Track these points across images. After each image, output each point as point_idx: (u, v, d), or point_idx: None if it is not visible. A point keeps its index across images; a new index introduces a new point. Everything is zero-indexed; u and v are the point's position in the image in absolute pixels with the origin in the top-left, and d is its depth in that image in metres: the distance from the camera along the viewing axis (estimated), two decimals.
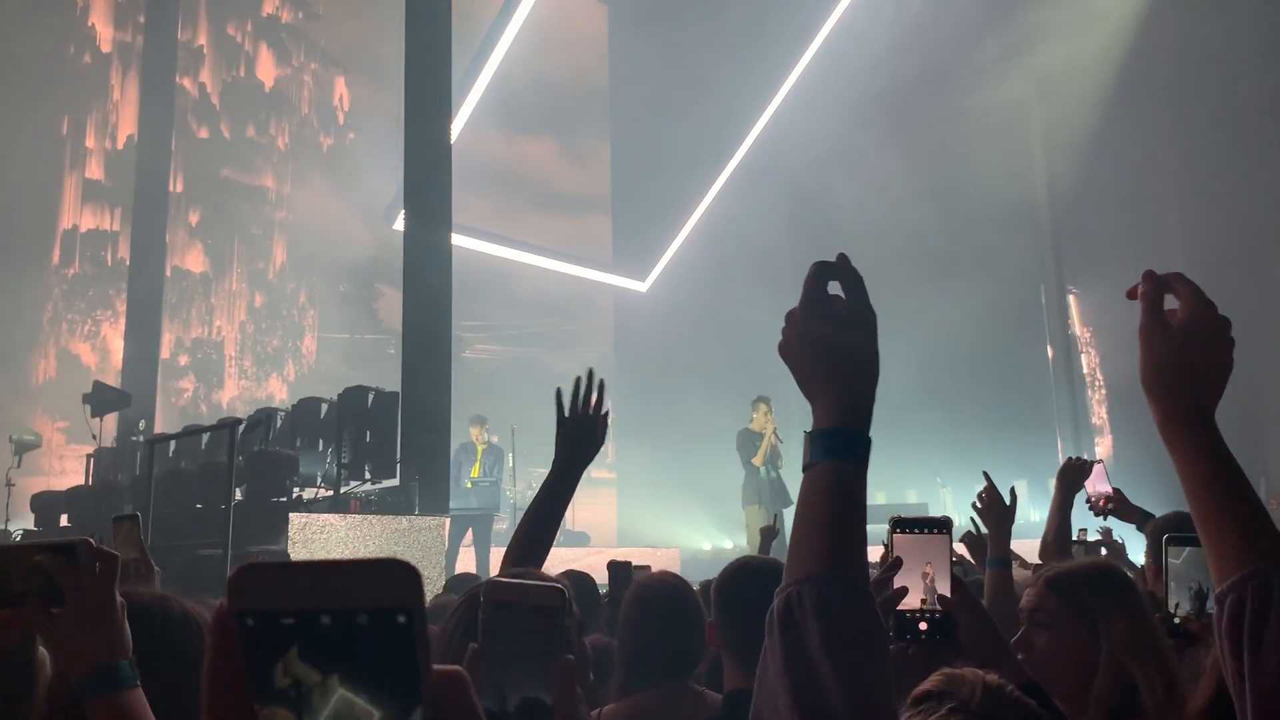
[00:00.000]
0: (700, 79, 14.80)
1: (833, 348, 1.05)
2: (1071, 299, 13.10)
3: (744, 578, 2.09)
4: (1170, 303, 1.14)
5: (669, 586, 2.38)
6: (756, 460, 9.97)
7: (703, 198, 16.22)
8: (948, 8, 14.21)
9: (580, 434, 2.19)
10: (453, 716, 0.49)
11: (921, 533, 1.38)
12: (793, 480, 10.60)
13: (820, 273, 1.08)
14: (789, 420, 10.54)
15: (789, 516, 10.57)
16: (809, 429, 1.04)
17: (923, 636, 1.36)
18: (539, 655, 0.91)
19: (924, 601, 1.36)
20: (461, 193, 8.77)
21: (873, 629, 0.95)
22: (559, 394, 2.21)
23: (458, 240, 8.54)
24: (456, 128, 10.99)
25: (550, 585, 0.95)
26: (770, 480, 10.02)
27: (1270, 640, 0.93)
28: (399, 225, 10.04)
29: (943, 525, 1.38)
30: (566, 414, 2.19)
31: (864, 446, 1.02)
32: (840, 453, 1.01)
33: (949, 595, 1.37)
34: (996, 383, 11.94)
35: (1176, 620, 1.77)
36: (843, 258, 1.08)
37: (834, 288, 1.09)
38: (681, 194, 16.12)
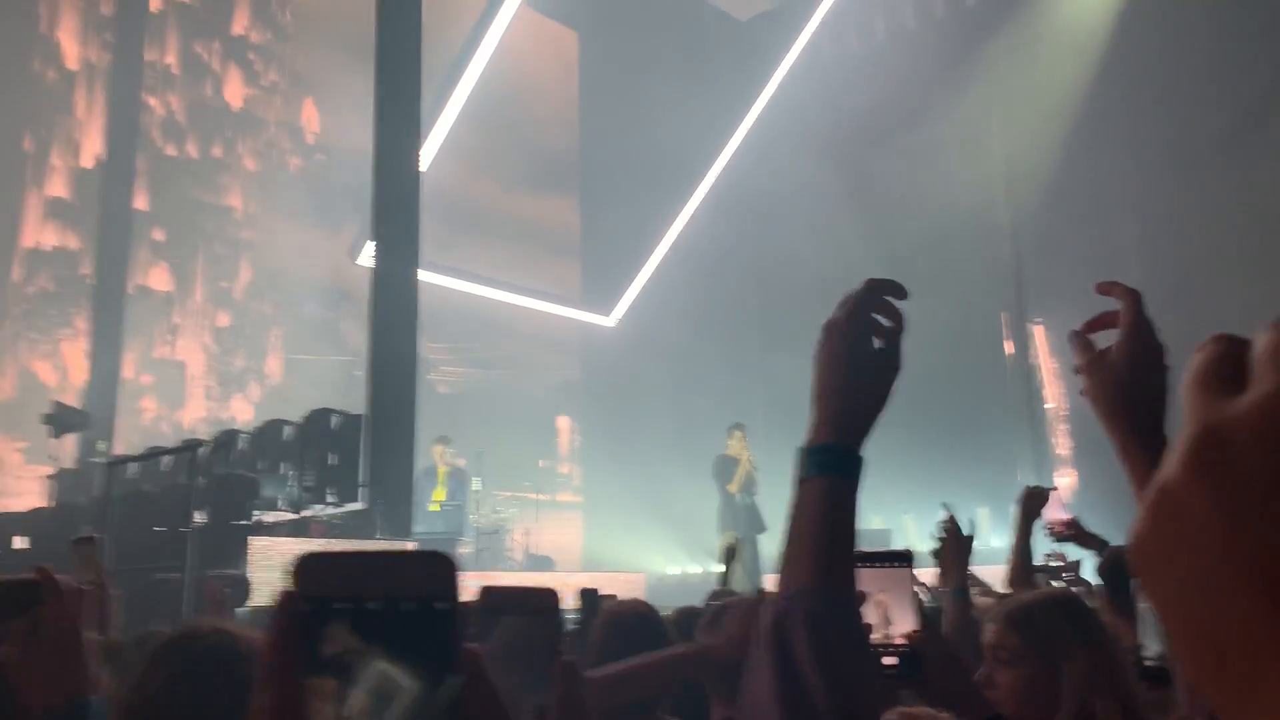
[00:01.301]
0: (669, 109, 14.90)
1: (848, 368, 1.07)
2: (1034, 328, 13.26)
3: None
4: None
5: (638, 615, 2.38)
6: (733, 487, 10.03)
7: (669, 230, 16.26)
8: (910, 39, 14.43)
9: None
10: (477, 686, 0.55)
11: (883, 566, 1.40)
12: (766, 507, 10.67)
13: (867, 295, 1.10)
14: (762, 447, 10.60)
15: (763, 542, 10.64)
16: (801, 445, 1.06)
17: (888, 670, 1.37)
18: (537, 657, 0.92)
19: (881, 634, 1.37)
20: (428, 223, 8.76)
21: (861, 643, 0.96)
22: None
23: (423, 276, 8.52)
24: (425, 158, 11.01)
25: (544, 588, 0.96)
26: (746, 506, 10.08)
27: None
28: (365, 260, 10.00)
29: (903, 558, 1.40)
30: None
31: (856, 464, 1.04)
32: (833, 468, 1.02)
33: (913, 629, 1.39)
34: (958, 410, 12.05)
35: (1147, 663, 1.80)
36: (895, 285, 1.12)
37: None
38: (649, 226, 16.17)
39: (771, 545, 10.89)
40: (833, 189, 14.32)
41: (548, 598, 0.95)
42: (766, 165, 15.49)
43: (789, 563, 1.00)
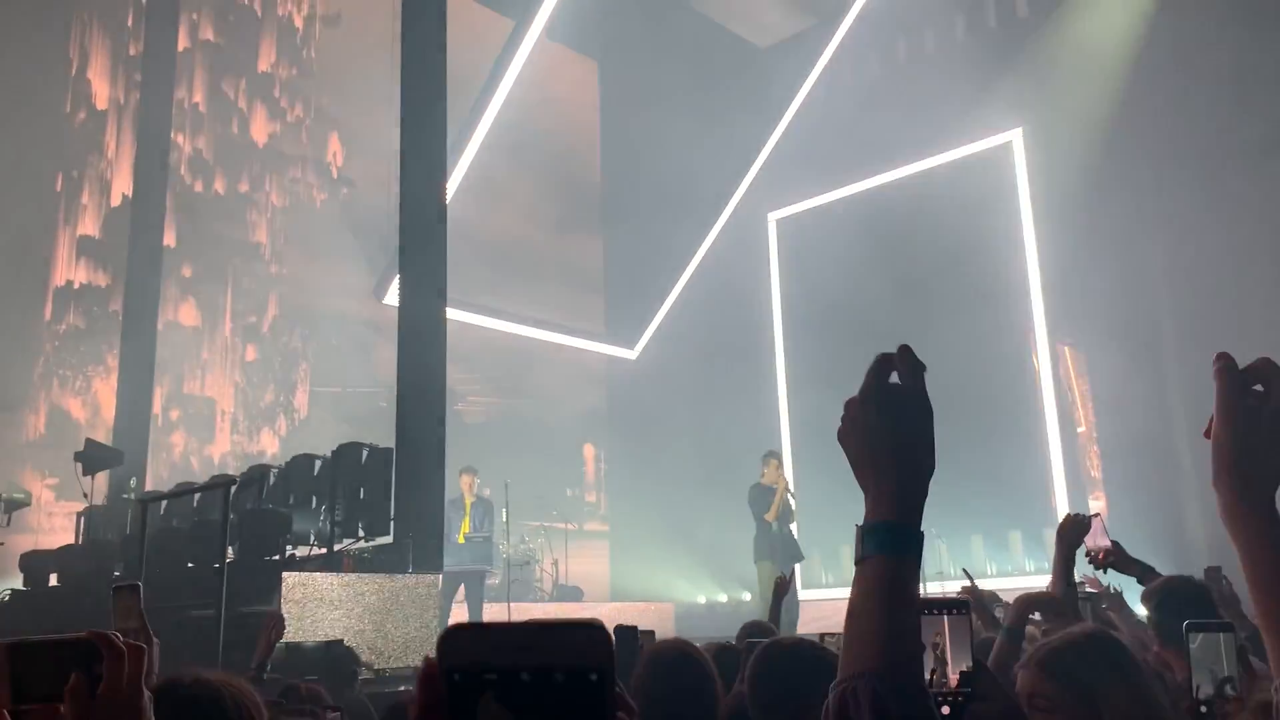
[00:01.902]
0: (689, 139, 14.96)
1: (888, 438, 1.06)
2: (1066, 351, 13.16)
3: (780, 658, 2.06)
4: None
5: (683, 655, 2.36)
6: (769, 516, 9.95)
7: (690, 262, 16.28)
8: (930, 61, 14.43)
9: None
10: None
11: (941, 613, 1.38)
12: (803, 536, 10.63)
13: (882, 365, 1.09)
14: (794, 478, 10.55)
15: (825, 571, 10.53)
16: (860, 522, 1.05)
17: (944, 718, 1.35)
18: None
19: (934, 673, 1.35)
20: (453, 259, 8.79)
21: None
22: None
23: (449, 314, 8.53)
24: (449, 193, 11.09)
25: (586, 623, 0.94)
26: (782, 535, 10.01)
27: None
28: (391, 299, 10.01)
29: (962, 606, 1.38)
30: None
31: (916, 541, 1.03)
32: (892, 547, 1.02)
33: (969, 676, 1.36)
34: (990, 436, 11.94)
35: (1202, 709, 1.76)
36: (904, 349, 1.10)
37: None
38: (671, 258, 16.20)
39: (820, 573, 10.79)
40: (855, 214, 14.31)
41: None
42: (785, 193, 15.50)
43: (851, 643, 0.99)
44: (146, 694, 1.16)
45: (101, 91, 13.13)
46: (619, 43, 15.96)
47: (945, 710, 1.35)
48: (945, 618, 1.37)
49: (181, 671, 1.64)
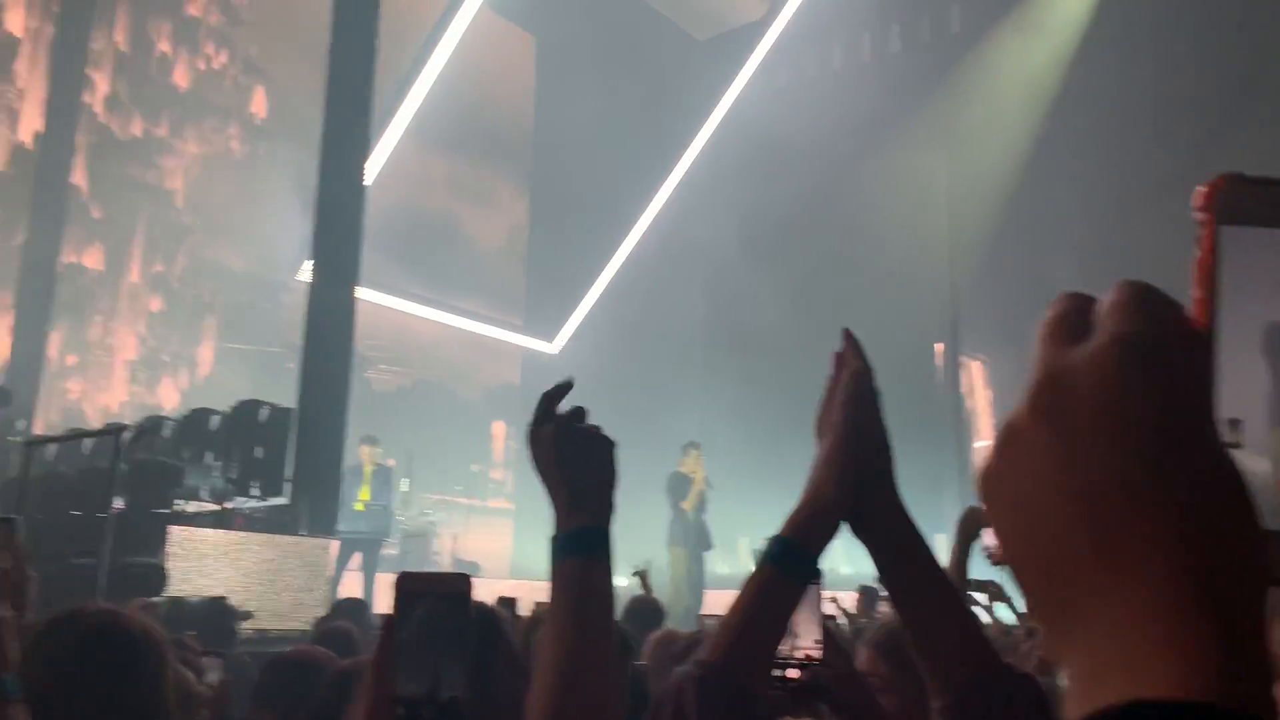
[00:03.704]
0: (622, 126, 14.95)
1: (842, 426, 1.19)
2: (972, 363, 13.49)
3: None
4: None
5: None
6: (687, 504, 10.18)
7: (616, 255, 16.23)
8: (864, 71, 14.64)
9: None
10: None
11: None
12: (726, 523, 10.79)
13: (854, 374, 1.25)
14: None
15: (721, 561, 10.71)
16: (770, 536, 1.12)
17: (793, 684, 1.39)
18: (453, 642, 0.93)
19: (787, 648, 1.39)
20: (369, 233, 8.67)
21: None
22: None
23: (363, 294, 8.43)
24: (374, 166, 10.91)
25: (458, 573, 0.98)
26: (696, 523, 10.24)
27: None
28: (304, 275, 9.74)
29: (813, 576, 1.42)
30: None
31: (801, 559, 1.08)
32: (777, 561, 1.07)
33: (820, 645, 1.40)
34: (894, 439, 12.19)
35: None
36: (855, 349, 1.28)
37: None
38: (597, 250, 16.15)
39: (717, 562, 10.99)
40: (776, 216, 14.46)
41: (461, 583, 0.96)
42: (713, 191, 15.60)
43: (717, 628, 1.05)
44: (4, 613, 1.15)
45: (16, 19, 12.62)
46: (558, 20, 15.86)
47: (793, 674, 1.39)
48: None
49: (83, 603, 1.63)
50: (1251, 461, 0.39)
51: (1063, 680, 0.37)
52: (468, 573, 0.98)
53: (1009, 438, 0.40)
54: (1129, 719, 0.33)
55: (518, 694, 0.95)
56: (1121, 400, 0.37)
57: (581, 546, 1.11)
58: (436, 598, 0.95)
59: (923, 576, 1.15)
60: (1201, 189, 0.42)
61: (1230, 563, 0.35)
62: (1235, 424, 0.41)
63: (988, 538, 3.71)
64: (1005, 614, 4.15)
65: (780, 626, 1.08)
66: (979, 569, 3.77)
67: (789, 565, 1.08)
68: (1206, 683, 0.33)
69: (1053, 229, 12.18)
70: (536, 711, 1.04)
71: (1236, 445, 0.40)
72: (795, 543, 1.09)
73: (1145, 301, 0.40)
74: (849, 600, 6.44)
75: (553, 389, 1.25)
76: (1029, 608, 0.39)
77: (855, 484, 1.16)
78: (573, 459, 1.18)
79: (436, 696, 0.91)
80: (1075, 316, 0.41)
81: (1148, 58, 11.83)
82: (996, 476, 0.40)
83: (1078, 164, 11.97)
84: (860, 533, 1.17)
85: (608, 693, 1.06)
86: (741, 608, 1.06)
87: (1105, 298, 0.41)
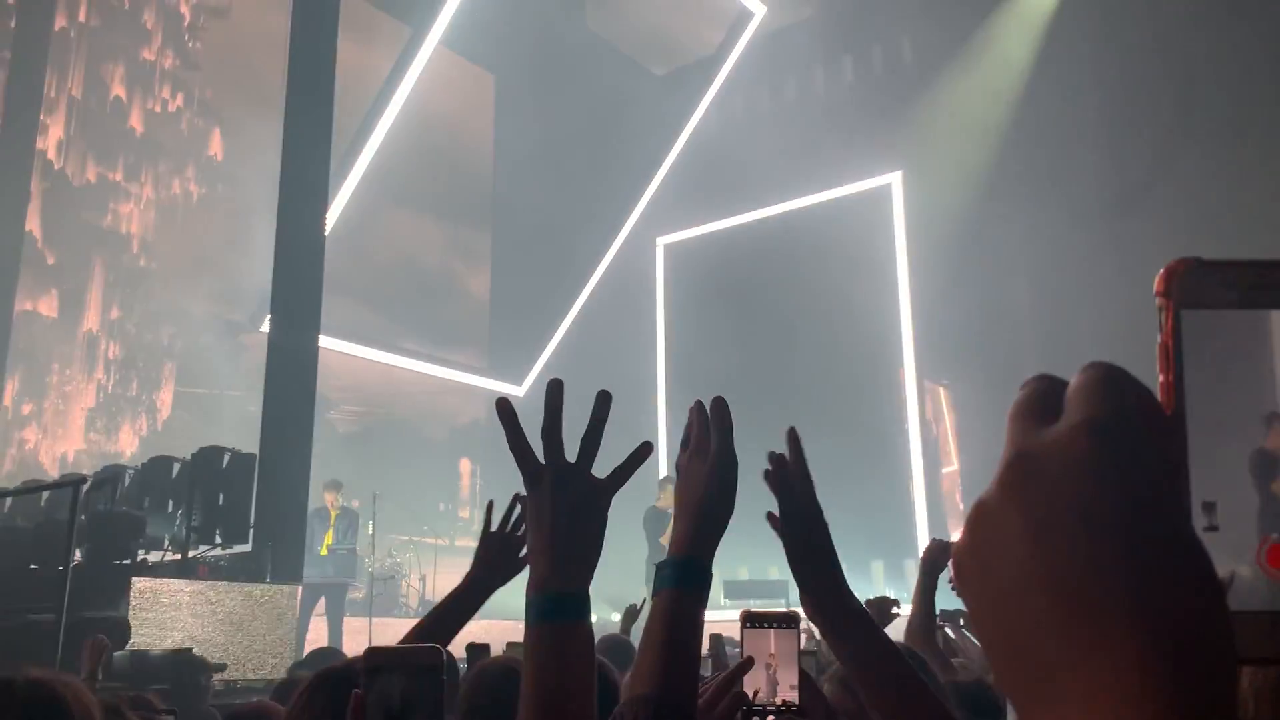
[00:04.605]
0: (581, 163, 15.03)
1: (696, 484, 1.18)
2: (939, 389, 13.61)
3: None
4: None
5: (505, 670, 2.35)
6: (664, 539, 10.18)
7: (580, 295, 16.23)
8: (819, 101, 14.83)
9: (501, 555, 2.06)
10: None
11: (771, 628, 1.42)
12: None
13: (699, 416, 1.22)
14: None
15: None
16: (657, 563, 1.14)
17: None
18: (427, 714, 0.93)
19: (757, 694, 1.39)
20: (330, 282, 8.63)
21: None
22: (490, 507, 2.06)
23: (327, 343, 8.38)
24: (333, 213, 10.84)
25: (430, 646, 0.97)
26: None
27: None
28: (266, 328, 9.62)
29: (791, 620, 1.42)
30: (493, 529, 2.05)
31: (703, 576, 1.09)
32: (679, 581, 1.08)
33: (797, 690, 1.40)
34: (856, 467, 12.25)
35: None
36: (718, 404, 1.23)
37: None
38: (560, 290, 16.15)
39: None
40: (739, 244, 14.57)
41: (431, 656, 0.95)
42: (673, 219, 15.69)
43: (636, 669, 1.05)
44: None
45: None
46: (515, 58, 15.93)
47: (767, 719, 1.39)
48: (772, 632, 1.42)
49: (13, 671, 1.59)
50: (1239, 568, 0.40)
51: None
52: (438, 647, 0.97)
53: (980, 517, 0.40)
54: None
55: None
56: (1089, 482, 0.38)
57: (568, 612, 1.08)
58: (407, 671, 0.94)
59: (871, 645, 1.22)
60: (1160, 274, 0.43)
61: (1200, 642, 0.36)
62: (1210, 507, 0.41)
63: (951, 569, 3.74)
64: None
65: (698, 643, 1.11)
66: (946, 599, 3.80)
67: (688, 581, 1.11)
68: None
69: (1009, 253, 12.35)
70: None
71: (1213, 528, 0.41)
72: (685, 559, 1.13)
73: (1112, 384, 0.40)
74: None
75: (548, 420, 1.13)
76: (1001, 685, 0.40)
77: (794, 554, 1.30)
78: (566, 515, 1.11)
79: None
80: (1045, 398, 0.42)
81: (1093, 84, 12.10)
82: (969, 554, 0.40)
83: (1031, 188, 12.17)
84: (810, 607, 1.27)
85: None
86: (660, 638, 1.07)
87: (1074, 379, 0.41)
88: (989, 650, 0.40)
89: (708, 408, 1.23)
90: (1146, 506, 0.38)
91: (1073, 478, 0.38)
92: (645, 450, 1.15)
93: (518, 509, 2.02)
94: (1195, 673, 0.35)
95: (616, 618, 13.11)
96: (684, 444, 1.22)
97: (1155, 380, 0.43)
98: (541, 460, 1.10)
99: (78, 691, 1.57)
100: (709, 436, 1.19)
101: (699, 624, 1.10)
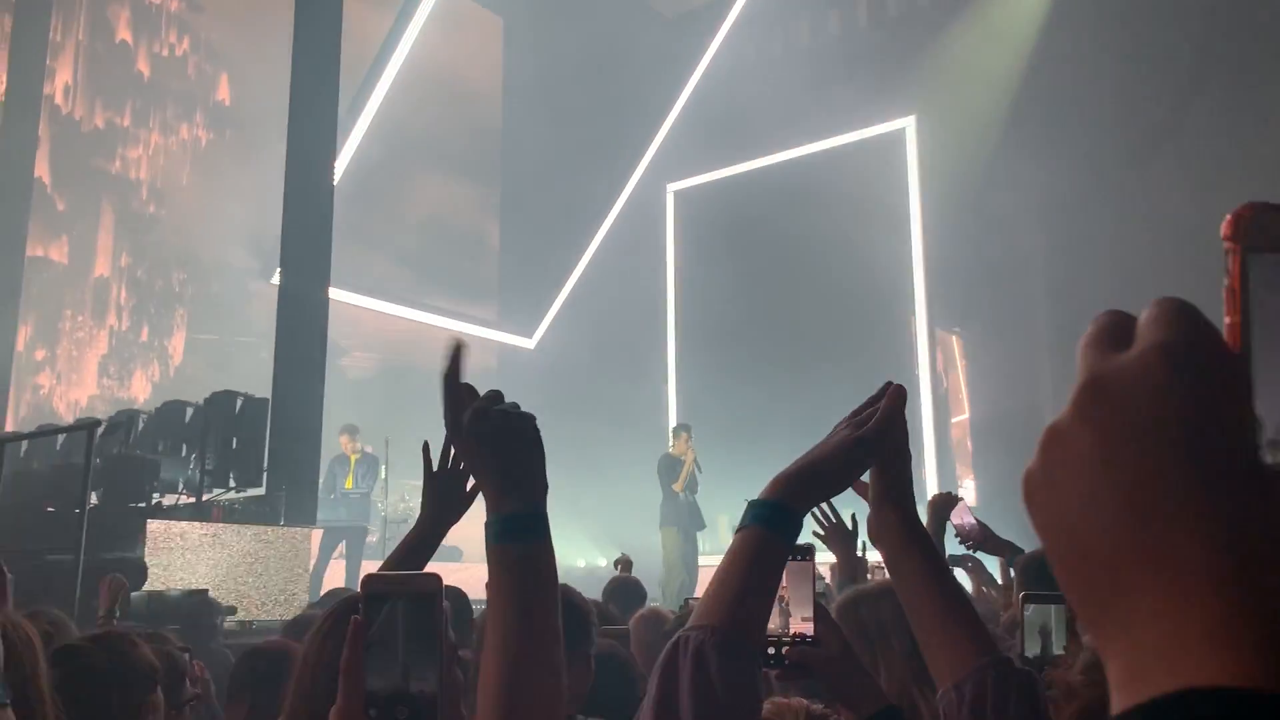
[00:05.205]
0: (591, 109, 14.87)
1: (831, 443, 1.20)
2: (950, 337, 13.56)
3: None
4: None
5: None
6: (677, 486, 10.36)
7: (590, 244, 16.12)
8: (833, 44, 14.62)
9: (448, 494, 1.96)
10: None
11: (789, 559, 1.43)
12: (705, 504, 10.87)
13: (887, 399, 1.25)
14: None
15: (702, 539, 10.91)
16: (751, 500, 1.14)
17: (785, 662, 1.40)
18: (422, 642, 0.94)
19: (781, 626, 1.40)
20: (340, 232, 8.62)
21: (745, 692, 0.99)
22: (426, 447, 1.97)
23: (336, 295, 8.39)
24: (341, 161, 10.76)
25: (428, 573, 0.98)
26: (688, 504, 10.44)
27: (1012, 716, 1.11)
28: (276, 279, 9.60)
29: (805, 552, 1.43)
30: (435, 469, 1.94)
31: (789, 523, 1.09)
32: (766, 521, 1.08)
33: (811, 622, 1.41)
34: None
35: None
36: (896, 392, 1.26)
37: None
38: (570, 240, 16.05)
39: (708, 540, 11.09)
40: (750, 190, 14.45)
41: (430, 582, 0.96)
42: (683, 165, 15.55)
43: (705, 598, 1.05)
44: None
45: None
46: (523, 1, 15.72)
47: (785, 651, 1.40)
48: (787, 563, 1.42)
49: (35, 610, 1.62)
50: None
51: (1109, 671, 0.39)
52: (437, 573, 0.98)
53: (1052, 440, 0.41)
54: (1181, 707, 0.35)
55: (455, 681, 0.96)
56: (1162, 399, 0.39)
57: (518, 532, 1.11)
58: (406, 598, 0.95)
59: (932, 575, 1.20)
60: (1228, 218, 0.44)
61: (1265, 549, 0.37)
62: (1277, 445, 0.42)
63: (956, 518, 3.79)
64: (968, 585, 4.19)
65: (774, 588, 1.11)
66: (951, 547, 3.83)
67: (778, 526, 1.10)
68: (1255, 669, 0.35)
69: (1024, 199, 12.23)
70: (487, 694, 1.05)
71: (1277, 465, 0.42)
72: (782, 504, 1.10)
73: (1185, 314, 0.42)
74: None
75: (449, 377, 1.22)
76: (1072, 604, 0.41)
77: (871, 480, 1.26)
78: (495, 443, 1.16)
79: (408, 694, 0.92)
80: (1116, 329, 0.43)
81: (1115, 32, 11.88)
82: (1039, 477, 0.42)
83: (1047, 133, 12.01)
84: (875, 530, 1.27)
85: (559, 669, 1.07)
86: (736, 572, 1.07)
87: (1144, 312, 0.43)
88: (1059, 570, 0.41)
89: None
90: (1216, 424, 0.39)
91: (1144, 397, 0.40)
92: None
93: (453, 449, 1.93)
94: (1268, 580, 0.36)
95: (604, 563, 13.29)
96: (855, 411, 1.24)
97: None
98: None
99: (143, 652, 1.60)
100: (874, 415, 1.21)
101: (779, 571, 1.11)
